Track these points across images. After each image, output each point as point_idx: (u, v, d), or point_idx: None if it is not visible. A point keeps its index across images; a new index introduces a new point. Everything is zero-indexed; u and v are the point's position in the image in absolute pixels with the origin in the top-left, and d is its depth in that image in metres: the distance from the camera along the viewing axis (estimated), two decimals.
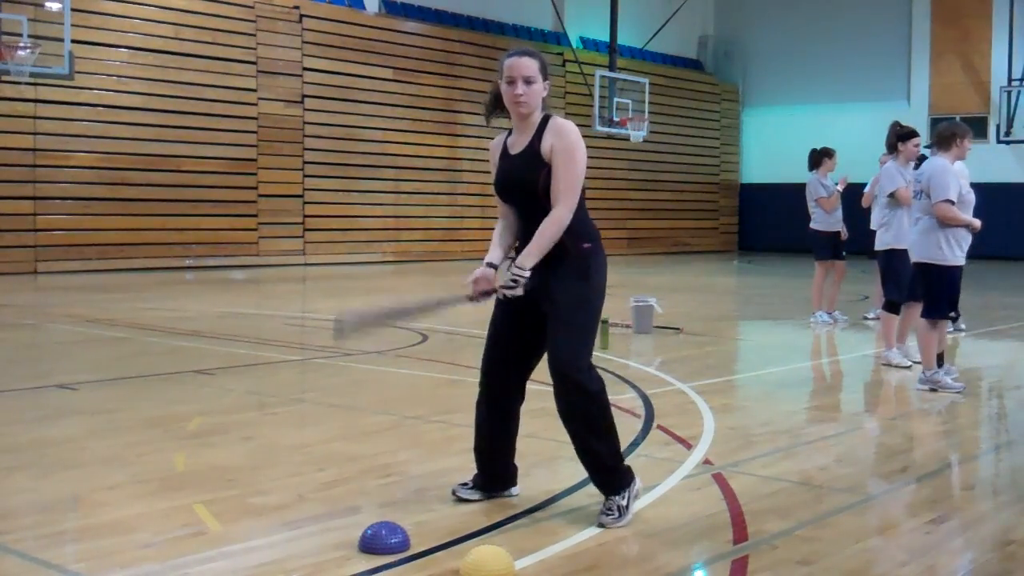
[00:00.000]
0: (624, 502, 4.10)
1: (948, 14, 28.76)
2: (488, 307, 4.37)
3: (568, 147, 4.08)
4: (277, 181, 21.09)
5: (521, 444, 4.50)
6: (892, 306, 8.56)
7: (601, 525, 4.03)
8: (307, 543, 3.88)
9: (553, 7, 26.04)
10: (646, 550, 3.84)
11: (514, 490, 4.46)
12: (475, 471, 4.46)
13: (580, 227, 4.14)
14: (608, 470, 4.16)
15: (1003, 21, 27.33)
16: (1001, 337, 10.59)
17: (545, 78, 4.18)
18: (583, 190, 4.18)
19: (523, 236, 4.26)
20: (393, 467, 4.99)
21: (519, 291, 4.09)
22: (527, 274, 4.07)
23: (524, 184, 4.14)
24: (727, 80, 32.44)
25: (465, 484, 4.42)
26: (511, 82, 4.12)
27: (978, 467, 5.53)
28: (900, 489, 4.84)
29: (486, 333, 4.39)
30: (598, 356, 8.59)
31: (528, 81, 4.11)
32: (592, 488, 4.27)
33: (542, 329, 4.20)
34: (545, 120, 4.16)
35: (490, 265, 4.22)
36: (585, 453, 4.17)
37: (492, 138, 4.42)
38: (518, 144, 4.20)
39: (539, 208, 4.11)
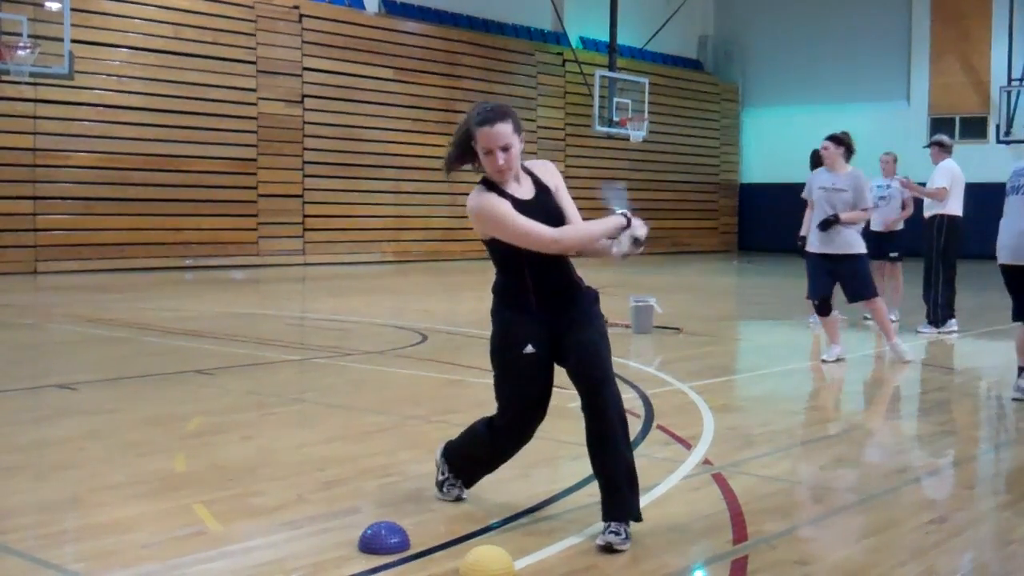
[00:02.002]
0: (629, 527, 3.92)
1: (948, 14, 28.76)
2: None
3: (562, 182, 4.21)
4: (277, 181, 21.09)
5: None
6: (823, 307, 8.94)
7: (609, 544, 3.81)
8: (307, 543, 3.88)
9: (553, 7, 26.04)
10: (645, 550, 3.84)
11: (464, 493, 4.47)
12: (467, 480, 4.46)
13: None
14: (632, 487, 3.96)
15: (1003, 21, 27.33)
16: (1001, 337, 10.57)
17: (519, 132, 4.03)
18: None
19: (544, 271, 4.08)
20: (393, 467, 4.99)
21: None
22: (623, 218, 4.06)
23: (560, 222, 4.07)
24: (727, 80, 32.44)
25: (446, 479, 4.44)
26: (489, 153, 3.97)
27: (978, 467, 5.53)
28: (900, 489, 4.84)
29: (521, 390, 4.16)
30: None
31: (505, 148, 3.97)
32: (592, 487, 4.19)
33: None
34: (525, 168, 4.14)
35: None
36: (625, 466, 3.96)
37: None
38: (526, 190, 4.09)
39: None
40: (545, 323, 4.08)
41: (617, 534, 3.84)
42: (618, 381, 4.12)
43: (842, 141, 9.03)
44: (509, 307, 4.14)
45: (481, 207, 4.00)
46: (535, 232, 3.95)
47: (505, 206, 3.98)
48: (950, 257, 10.82)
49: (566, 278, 4.14)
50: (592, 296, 4.17)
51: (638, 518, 3.95)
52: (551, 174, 4.19)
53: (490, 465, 4.44)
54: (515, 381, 4.15)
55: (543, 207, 4.07)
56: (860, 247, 8.77)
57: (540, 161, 4.24)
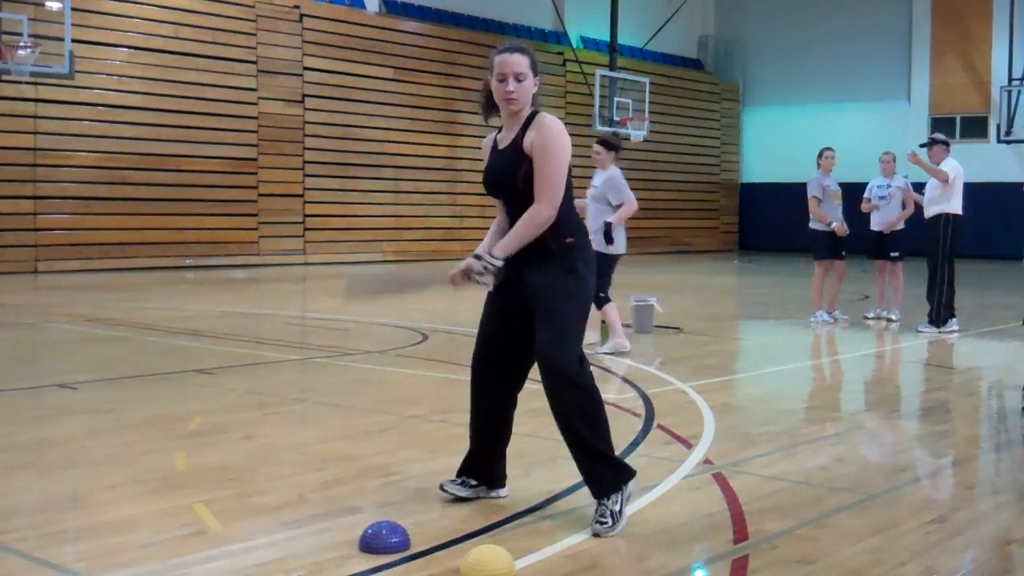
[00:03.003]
0: (617, 507, 4.01)
1: (948, 14, 28.76)
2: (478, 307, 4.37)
3: (545, 142, 4.04)
4: (277, 181, 21.10)
5: (521, 444, 4.51)
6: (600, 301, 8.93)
7: (596, 535, 3.93)
8: (307, 543, 3.88)
9: (553, 7, 26.04)
10: (646, 550, 3.84)
11: (502, 491, 4.44)
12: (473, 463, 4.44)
13: (563, 222, 4.12)
14: (605, 463, 4.08)
15: (1003, 21, 27.33)
16: (1001, 337, 10.59)
17: (536, 74, 4.17)
18: (569, 185, 4.16)
19: (511, 218, 4.25)
20: (393, 467, 4.99)
21: (488, 279, 4.09)
22: (498, 263, 4.06)
23: (505, 179, 4.15)
24: (727, 80, 32.43)
25: (454, 480, 4.42)
26: (502, 79, 4.12)
27: (978, 467, 5.53)
28: (900, 489, 4.84)
29: (476, 333, 4.38)
30: (597, 356, 8.60)
31: (519, 78, 4.10)
32: None
33: (532, 335, 4.18)
34: (532, 116, 4.15)
35: (477, 256, 4.18)
36: (581, 449, 4.09)
37: None
38: (505, 140, 4.22)
39: (521, 203, 4.12)
40: (511, 272, 4.18)
41: (603, 521, 3.96)
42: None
43: (610, 144, 9.09)
44: None
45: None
46: None
47: (485, 150, 4.33)
48: (953, 256, 10.81)
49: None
50: (551, 271, 4.09)
51: (616, 488, 4.03)
52: (536, 131, 4.07)
53: (472, 420, 4.42)
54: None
55: (498, 164, 4.20)
56: (608, 249, 8.74)
57: (551, 119, 4.12)
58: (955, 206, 10.73)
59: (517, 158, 4.10)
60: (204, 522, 4.11)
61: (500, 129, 4.30)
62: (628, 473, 4.13)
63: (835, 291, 11.81)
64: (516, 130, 4.17)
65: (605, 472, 4.08)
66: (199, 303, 13.33)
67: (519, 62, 4.11)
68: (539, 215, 4.04)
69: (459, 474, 4.43)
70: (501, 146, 4.23)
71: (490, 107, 4.27)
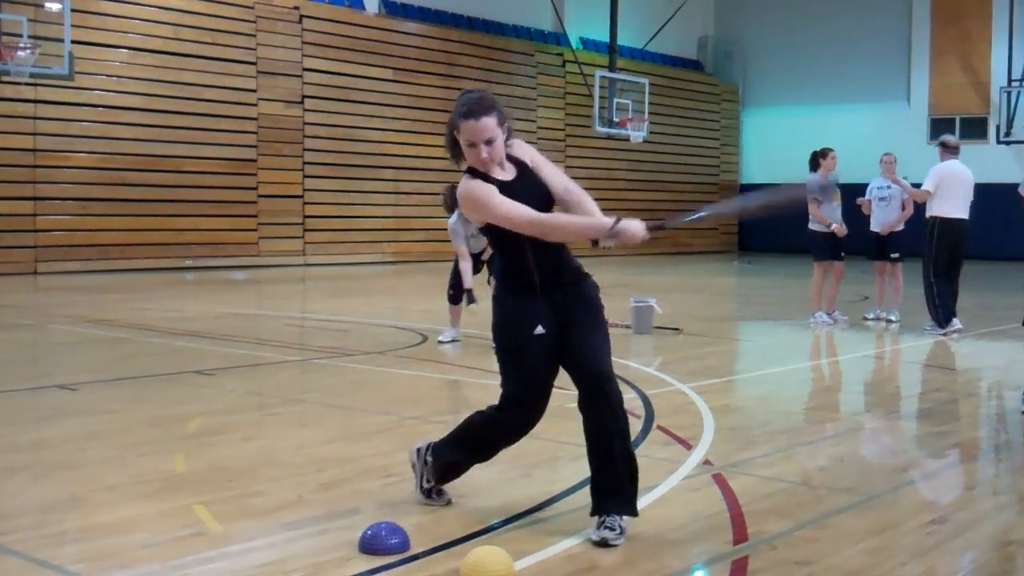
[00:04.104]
0: (625, 524, 3.96)
1: (948, 15, 28.76)
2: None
3: (542, 157, 4.14)
4: (277, 181, 21.10)
5: (521, 445, 4.49)
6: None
7: (604, 540, 3.86)
8: (307, 543, 3.88)
9: (553, 7, 26.04)
10: (646, 550, 3.84)
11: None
12: (452, 477, 4.39)
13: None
14: (636, 480, 4.05)
15: (1003, 21, 27.33)
16: (1001, 337, 10.58)
17: (503, 123, 3.99)
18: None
19: (545, 250, 4.04)
20: (393, 467, 4.99)
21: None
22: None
23: (546, 196, 4.05)
24: (727, 80, 32.44)
25: (432, 487, 4.39)
26: (472, 145, 3.95)
27: (978, 467, 5.53)
28: (900, 489, 4.84)
29: (533, 373, 4.06)
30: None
31: (489, 142, 3.94)
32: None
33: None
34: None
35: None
36: (630, 460, 4.04)
37: None
38: (506, 174, 4.06)
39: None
40: (551, 306, 4.03)
41: (612, 529, 3.87)
42: (618, 381, 4.13)
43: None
44: (513, 291, 4.09)
45: (467, 193, 3.98)
46: (514, 212, 3.91)
47: (488, 189, 3.94)
48: (941, 258, 10.71)
49: (565, 260, 4.10)
50: (596, 286, 4.15)
51: (635, 513, 3.98)
52: (523, 149, 4.11)
53: (475, 461, 4.38)
54: (526, 364, 4.05)
55: (526, 184, 4.04)
56: None
57: (513, 141, 4.11)
58: (946, 210, 10.63)
59: (538, 178, 4.08)
60: (204, 523, 4.11)
61: (473, 174, 4.03)
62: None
63: (834, 292, 11.80)
64: (508, 163, 4.06)
65: (631, 492, 4.02)
66: (199, 304, 13.33)
67: (487, 127, 3.91)
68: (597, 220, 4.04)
69: (440, 484, 4.39)
70: (508, 178, 4.03)
71: (458, 153, 4.06)
